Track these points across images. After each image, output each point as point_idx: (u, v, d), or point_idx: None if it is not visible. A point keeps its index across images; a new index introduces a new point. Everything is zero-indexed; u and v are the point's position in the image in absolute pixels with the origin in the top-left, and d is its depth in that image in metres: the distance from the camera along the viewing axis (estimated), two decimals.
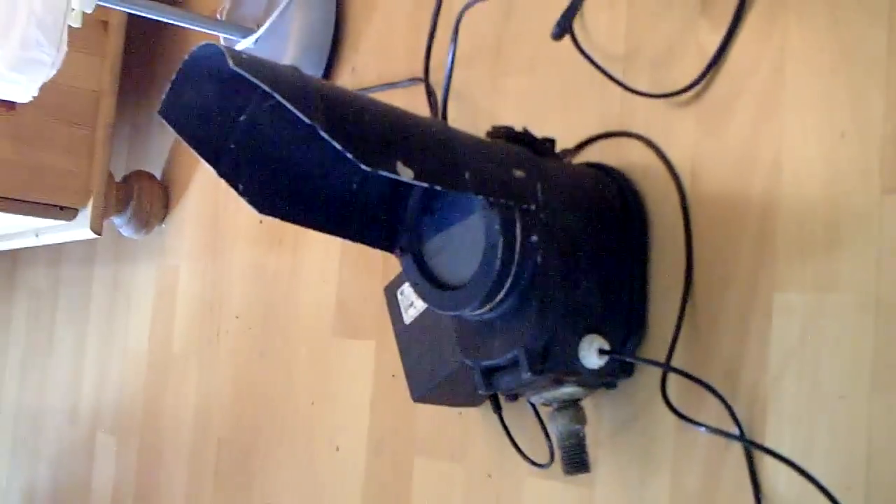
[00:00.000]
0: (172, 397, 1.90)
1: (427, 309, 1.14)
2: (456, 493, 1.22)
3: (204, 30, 1.64)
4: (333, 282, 1.50)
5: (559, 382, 0.95)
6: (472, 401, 1.19)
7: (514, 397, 1.03)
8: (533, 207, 0.91)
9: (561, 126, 1.13)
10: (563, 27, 1.04)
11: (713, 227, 0.96)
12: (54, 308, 2.48)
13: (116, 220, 1.99)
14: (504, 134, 0.98)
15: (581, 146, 1.10)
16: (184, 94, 0.88)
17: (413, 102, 1.35)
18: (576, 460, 0.95)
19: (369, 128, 0.83)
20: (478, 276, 0.91)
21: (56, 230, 1.97)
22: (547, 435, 1.09)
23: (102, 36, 1.86)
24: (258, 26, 1.57)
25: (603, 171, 1.05)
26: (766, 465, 0.89)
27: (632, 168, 1.04)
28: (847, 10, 0.88)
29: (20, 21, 1.34)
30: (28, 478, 2.51)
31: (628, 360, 0.99)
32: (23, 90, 1.41)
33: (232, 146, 0.91)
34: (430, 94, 1.32)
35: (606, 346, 0.94)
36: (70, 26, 1.39)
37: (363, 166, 0.79)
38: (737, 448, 0.91)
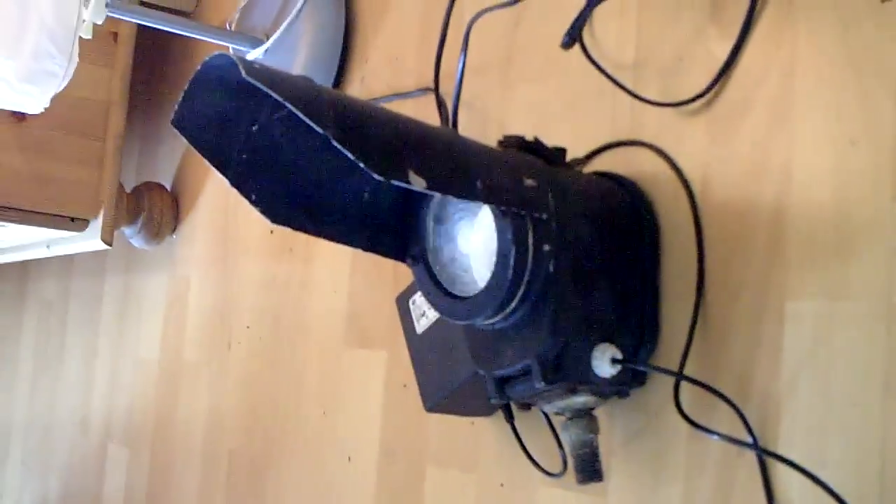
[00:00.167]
0: (184, 408, 1.90)
1: (439, 318, 1.14)
2: (468, 503, 1.22)
3: (214, 41, 1.65)
4: (344, 292, 1.50)
5: (572, 391, 0.95)
6: (484, 410, 1.19)
7: (526, 406, 1.03)
8: (545, 216, 0.91)
9: (571, 135, 1.13)
10: (573, 36, 1.05)
11: (724, 236, 0.96)
12: (65, 319, 2.48)
13: (127, 231, 2.00)
14: (515, 143, 0.98)
15: (591, 155, 1.10)
16: (196, 103, 0.88)
17: (423, 112, 1.36)
18: (589, 469, 0.95)
19: (381, 137, 0.83)
20: (490, 285, 0.91)
21: (67, 241, 1.98)
22: (559, 444, 1.09)
23: (112, 47, 1.87)
24: (268, 37, 1.58)
25: (614, 181, 1.05)
26: (780, 473, 0.89)
27: (642, 177, 1.04)
28: (857, 18, 0.88)
29: (31, 32, 1.34)
30: (39, 489, 2.51)
31: (641, 369, 0.98)
32: (34, 101, 1.42)
33: (244, 156, 0.91)
34: (441, 104, 1.33)
35: (619, 356, 0.94)
36: (81, 37, 1.39)
37: (375, 175, 0.79)
38: (749, 456, 0.91)
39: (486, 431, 1.21)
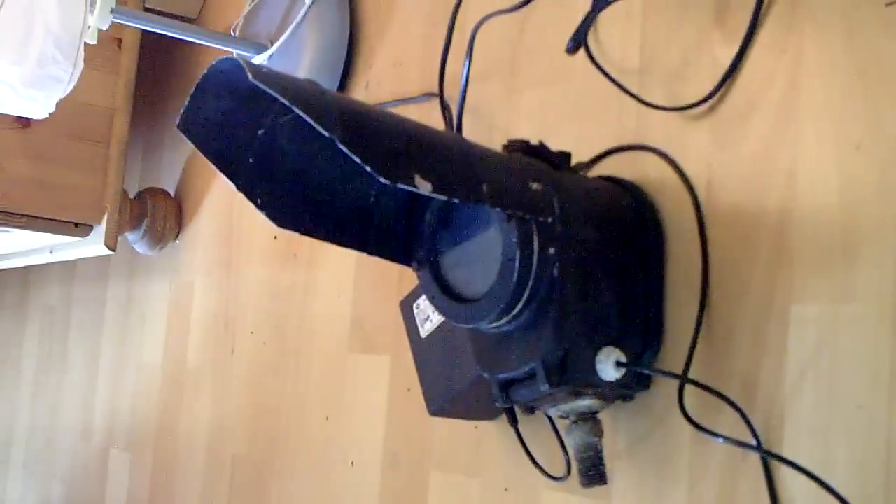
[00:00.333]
0: (187, 414, 1.90)
1: (443, 322, 1.15)
2: None
3: (218, 46, 1.65)
4: (348, 297, 1.50)
5: (577, 395, 0.95)
6: (488, 414, 1.19)
7: (531, 410, 1.03)
8: (550, 220, 0.91)
9: (576, 140, 1.14)
10: (578, 41, 1.05)
11: (729, 240, 0.96)
12: (67, 325, 2.48)
13: (130, 237, 2.00)
14: (520, 147, 0.99)
15: (596, 160, 1.10)
16: (202, 108, 0.89)
17: (428, 117, 1.36)
18: (593, 473, 0.95)
19: (387, 141, 0.83)
20: (495, 288, 0.91)
21: (70, 247, 1.98)
22: (564, 448, 1.09)
23: (117, 53, 1.87)
24: (272, 43, 1.58)
25: (618, 185, 1.05)
26: (784, 476, 0.89)
27: (647, 181, 1.04)
28: (861, 22, 0.88)
29: (37, 38, 1.35)
30: (42, 496, 2.51)
31: (645, 372, 0.99)
32: (40, 107, 1.42)
33: (250, 160, 0.92)
34: (445, 108, 1.33)
35: (624, 359, 0.94)
36: (86, 43, 1.40)
37: (382, 179, 0.79)
38: (754, 459, 0.91)
39: (490, 435, 1.21)
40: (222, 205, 1.89)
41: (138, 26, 1.58)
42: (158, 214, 1.99)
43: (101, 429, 2.26)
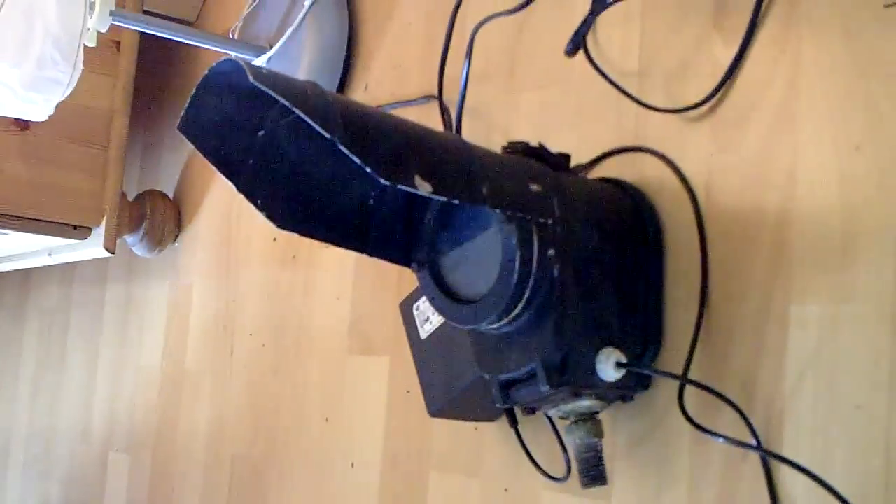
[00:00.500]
0: (186, 415, 1.91)
1: (443, 324, 1.15)
2: None
3: (217, 49, 1.65)
4: (347, 298, 1.51)
5: (577, 395, 0.95)
6: (488, 415, 1.19)
7: (531, 410, 1.03)
8: (550, 221, 0.92)
9: (575, 141, 1.14)
10: (577, 43, 1.05)
11: (728, 240, 0.97)
12: (66, 327, 2.48)
13: (129, 239, 2.00)
14: (520, 149, 0.99)
15: (596, 161, 1.11)
16: (203, 109, 0.89)
17: (427, 119, 1.36)
18: (593, 473, 0.96)
19: (388, 142, 0.84)
20: (495, 289, 0.91)
21: (69, 249, 1.98)
22: (563, 448, 1.09)
23: (115, 56, 1.87)
24: (271, 45, 1.59)
25: (618, 186, 1.05)
26: (784, 476, 0.89)
27: (647, 182, 1.05)
28: (860, 23, 0.88)
29: (37, 40, 1.35)
30: (40, 498, 2.51)
31: (645, 372, 0.99)
32: (39, 109, 1.43)
33: (251, 162, 0.92)
34: (444, 111, 1.33)
35: (623, 360, 0.94)
36: (85, 46, 1.40)
37: (382, 180, 0.80)
38: (754, 460, 0.92)
39: (490, 436, 1.21)
40: (221, 207, 1.89)
41: (137, 29, 1.58)
42: (157, 217, 1.99)
43: (100, 431, 2.26)
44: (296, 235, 0.94)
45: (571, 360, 0.93)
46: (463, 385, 1.11)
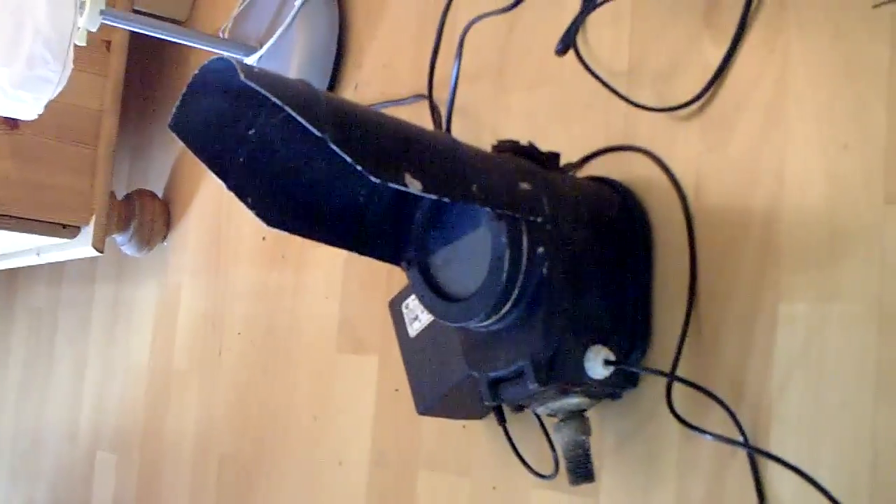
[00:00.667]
0: (174, 414, 1.90)
1: (432, 322, 1.15)
2: None
3: (207, 48, 1.65)
4: (336, 297, 1.51)
5: (565, 393, 0.95)
6: (476, 413, 1.20)
7: (520, 408, 1.04)
8: (539, 220, 0.92)
9: (565, 140, 1.14)
10: (567, 42, 1.06)
11: (717, 239, 0.97)
12: (54, 327, 2.48)
13: (118, 239, 2.00)
14: (510, 147, 0.99)
15: (585, 160, 1.11)
16: (194, 108, 0.89)
17: (417, 119, 1.36)
18: (581, 470, 0.96)
19: (378, 140, 0.84)
20: (484, 287, 0.92)
21: (58, 248, 1.98)
22: (552, 446, 1.09)
23: (105, 55, 1.87)
24: (261, 45, 1.59)
25: (607, 185, 1.06)
26: (771, 473, 0.90)
27: (636, 181, 1.05)
28: (849, 23, 0.89)
29: (27, 39, 1.35)
30: (27, 498, 2.50)
31: (633, 370, 0.99)
32: (28, 108, 1.43)
33: (241, 160, 0.92)
34: (434, 110, 1.34)
35: (612, 357, 0.94)
36: (75, 45, 1.40)
37: (372, 178, 0.80)
38: (741, 457, 0.92)
39: (479, 434, 1.21)
40: (210, 206, 1.89)
41: (128, 28, 1.58)
42: (146, 216, 1.99)
43: (88, 430, 2.26)
44: (285, 234, 0.94)
45: (560, 358, 0.93)
46: (451, 383, 1.11)
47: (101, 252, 1.88)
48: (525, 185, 0.93)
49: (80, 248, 1.92)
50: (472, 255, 0.95)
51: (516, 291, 0.91)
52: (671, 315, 1.00)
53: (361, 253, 0.98)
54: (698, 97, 1.00)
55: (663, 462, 0.99)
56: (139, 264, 2.10)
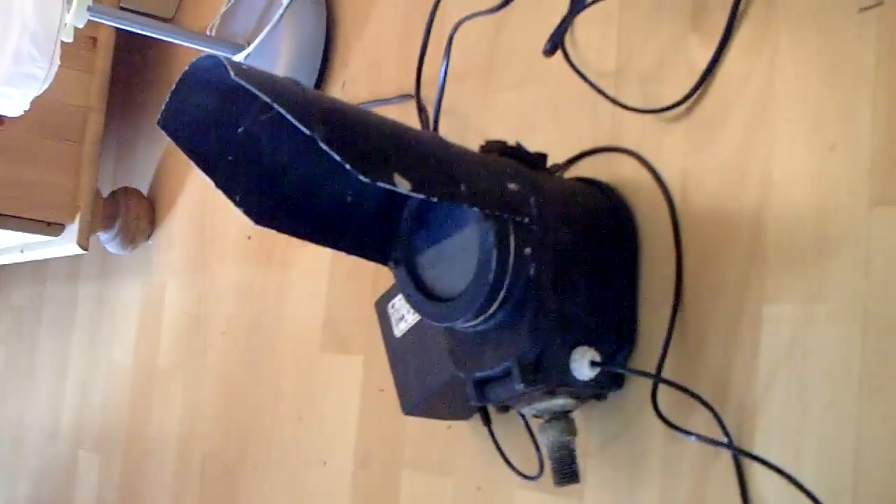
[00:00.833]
0: (157, 413, 1.90)
1: (418, 322, 1.15)
2: None
3: (194, 46, 1.65)
4: (322, 297, 1.51)
5: (551, 394, 0.96)
6: (461, 414, 1.20)
7: (504, 409, 1.04)
8: (527, 220, 0.92)
9: (552, 141, 1.15)
10: (555, 43, 1.06)
11: (703, 240, 0.98)
12: (37, 325, 2.47)
13: (103, 237, 2.00)
14: (497, 148, 0.99)
15: (572, 161, 1.11)
16: (182, 105, 0.89)
17: (404, 118, 1.36)
18: (566, 471, 0.96)
19: (367, 140, 0.84)
20: (472, 287, 0.92)
21: (42, 246, 1.98)
22: (537, 447, 1.10)
23: (91, 52, 1.87)
24: (248, 43, 1.59)
25: (594, 186, 1.06)
26: (755, 474, 0.90)
27: (623, 182, 1.05)
28: (836, 26, 0.89)
29: (13, 35, 1.35)
30: (8, 496, 2.50)
31: (619, 371, 1.00)
32: (15, 104, 1.42)
33: (229, 158, 0.92)
34: (422, 109, 1.34)
35: (598, 359, 0.95)
36: (62, 41, 1.40)
37: (361, 177, 0.80)
38: (726, 458, 0.93)
39: (463, 435, 1.21)
40: (195, 205, 1.89)
41: (115, 25, 1.58)
42: (131, 214, 1.99)
43: (70, 429, 2.25)
44: (270, 234, 0.94)
45: (546, 359, 0.93)
46: (437, 383, 1.11)
47: (86, 250, 1.88)
48: (513, 186, 0.93)
49: (65, 245, 1.91)
50: (459, 256, 0.95)
51: (503, 292, 0.91)
52: (657, 316, 1.00)
53: (349, 252, 0.98)
54: (686, 98, 1.01)
55: (648, 463, 1.00)
56: (123, 262, 2.10)
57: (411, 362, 1.16)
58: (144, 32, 1.60)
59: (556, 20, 1.06)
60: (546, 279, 0.93)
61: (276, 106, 0.79)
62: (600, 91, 1.09)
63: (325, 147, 0.79)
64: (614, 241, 1.02)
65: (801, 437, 0.87)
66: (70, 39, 1.40)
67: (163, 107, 0.88)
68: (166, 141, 2.00)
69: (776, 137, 0.93)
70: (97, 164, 1.89)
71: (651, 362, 1.00)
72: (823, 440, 0.86)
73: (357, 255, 0.99)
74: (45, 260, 2.30)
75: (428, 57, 1.33)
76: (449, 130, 1.29)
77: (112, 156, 2.20)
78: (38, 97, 1.45)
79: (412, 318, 1.16)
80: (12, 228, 1.85)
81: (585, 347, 0.95)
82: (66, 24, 1.38)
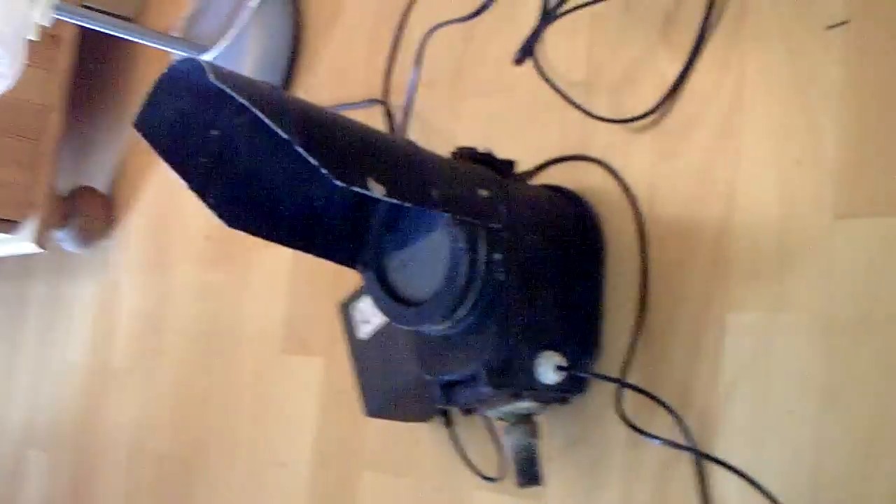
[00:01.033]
0: (111, 413, 1.89)
1: (383, 326, 1.16)
2: None
3: (159, 46, 1.65)
4: (282, 299, 1.51)
5: (516, 397, 0.97)
6: (423, 416, 1.21)
7: (469, 411, 1.05)
8: (497, 226, 0.94)
9: (519, 149, 1.15)
10: (526, 52, 1.07)
11: (668, 249, 0.99)
12: None
13: (59, 235, 1.99)
14: (467, 154, 1.01)
15: (539, 168, 1.13)
16: (159, 107, 0.89)
17: (371, 123, 1.37)
18: (529, 473, 0.97)
19: (343, 145, 0.85)
20: (441, 292, 0.93)
21: None
22: (499, 449, 1.11)
23: (53, 50, 1.86)
24: (214, 45, 1.59)
25: (561, 194, 1.08)
26: (717, 478, 0.92)
27: (590, 191, 1.07)
28: (804, 43, 0.92)
29: None
30: None
31: (584, 376, 1.01)
32: None
33: (203, 160, 0.92)
34: (389, 115, 1.35)
35: (563, 363, 0.96)
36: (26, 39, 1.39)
37: (337, 182, 0.81)
38: (686, 462, 0.94)
39: (423, 437, 1.22)
40: (154, 205, 1.88)
41: (80, 23, 1.57)
42: (89, 213, 1.98)
43: (19, 428, 2.23)
44: (229, 234, 0.95)
45: (513, 363, 0.94)
46: (401, 386, 1.12)
47: (43, 248, 1.87)
48: (484, 192, 0.95)
49: (21, 243, 1.90)
50: (428, 260, 0.96)
51: (472, 297, 0.93)
52: (622, 322, 1.02)
53: (318, 255, 0.99)
54: (654, 110, 1.03)
55: (609, 466, 1.01)
56: (80, 261, 2.09)
57: (375, 365, 1.17)
58: (109, 31, 1.59)
59: (525, 30, 1.08)
60: (515, 285, 0.94)
61: (254, 110, 0.80)
62: (569, 100, 1.11)
63: (302, 151, 0.80)
64: (581, 249, 1.04)
65: (762, 442, 0.89)
66: (35, 37, 1.40)
67: (139, 109, 0.89)
68: (126, 140, 2.00)
69: (743, 150, 0.95)
70: (56, 162, 1.88)
71: (616, 368, 1.01)
72: (785, 446, 0.88)
73: (326, 258, 0.99)
74: (0, 258, 2.28)
75: (395, 63, 1.34)
76: (416, 136, 1.30)
77: (71, 154, 2.18)
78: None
79: (377, 320, 1.17)
80: None
81: (551, 352, 0.96)
82: (32, 22, 1.38)
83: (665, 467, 0.96)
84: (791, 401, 0.88)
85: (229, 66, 1.53)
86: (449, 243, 0.93)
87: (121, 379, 1.88)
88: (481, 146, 1.02)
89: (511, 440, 0.98)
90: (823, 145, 0.89)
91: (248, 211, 0.95)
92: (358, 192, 0.84)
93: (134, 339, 1.86)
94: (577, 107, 1.10)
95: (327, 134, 0.84)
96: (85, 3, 1.82)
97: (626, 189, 1.04)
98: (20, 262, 2.32)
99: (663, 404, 0.96)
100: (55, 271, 2.20)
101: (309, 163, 0.80)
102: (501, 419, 1.00)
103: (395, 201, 0.85)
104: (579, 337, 1.02)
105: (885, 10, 0.87)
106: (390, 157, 0.89)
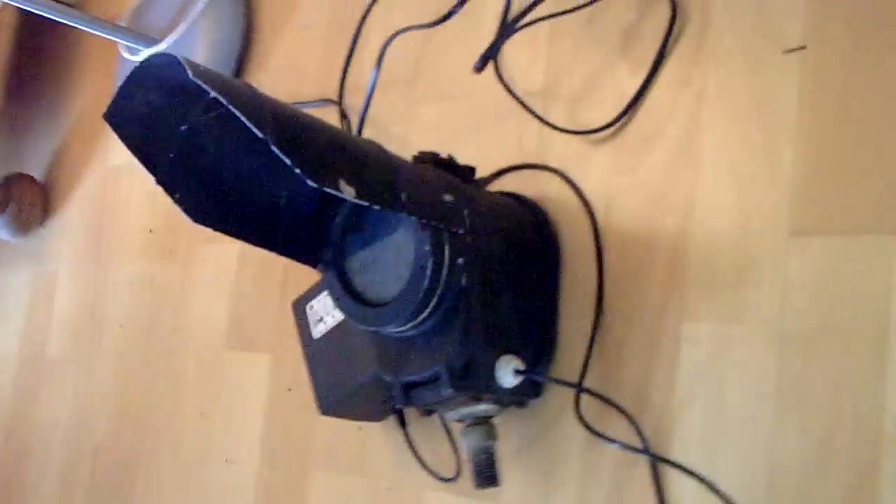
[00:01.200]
0: (45, 404, 1.87)
1: (338, 324, 1.17)
2: None
3: (106, 36, 1.63)
4: (228, 295, 1.51)
5: (475, 399, 0.99)
6: (376, 415, 1.22)
7: (429, 413, 1.06)
8: (461, 231, 0.95)
9: (474, 156, 1.17)
10: (487, 59, 1.09)
11: (625, 259, 1.02)
12: None
13: None
14: (430, 159, 1.02)
15: (497, 175, 1.14)
16: (131, 100, 0.89)
17: None
18: (487, 475, 0.99)
19: (316, 145, 0.86)
20: (404, 294, 0.94)
21: None
22: (454, 449, 1.12)
23: None
24: (162, 37, 1.58)
25: (520, 201, 1.10)
26: (672, 481, 0.95)
27: (548, 199, 1.09)
28: (761, 64, 0.95)
29: None
30: None
31: (542, 380, 1.03)
32: None
33: (171, 155, 0.93)
34: (344, 116, 1.35)
35: (522, 367, 0.98)
36: None
37: (309, 182, 0.82)
38: (643, 466, 0.97)
39: (375, 436, 1.23)
40: (94, 195, 1.86)
41: (25, 7, 1.55)
42: (24, 200, 1.95)
43: None
44: (174, 228, 0.95)
45: (473, 366, 0.96)
46: (357, 385, 1.13)
47: None
48: (448, 197, 0.96)
49: None
50: (391, 262, 0.97)
51: (436, 299, 0.94)
52: (579, 329, 1.04)
53: (279, 253, 0.99)
54: (612, 123, 1.05)
55: (565, 469, 1.03)
56: (13, 249, 2.06)
57: (330, 363, 1.17)
58: (53, 17, 1.57)
59: (484, 38, 1.09)
60: (476, 289, 0.96)
61: (231, 107, 0.80)
62: (527, 107, 1.13)
63: (275, 150, 0.80)
64: (538, 255, 1.06)
65: (717, 448, 0.92)
66: None
67: (110, 101, 0.89)
68: (64, 128, 1.98)
69: (700, 165, 0.97)
70: None
71: (573, 372, 1.03)
72: (739, 451, 0.90)
73: (287, 256, 1.00)
74: None
75: (352, 64, 1.35)
76: (371, 138, 1.30)
77: (5, 141, 2.15)
78: None
79: (332, 320, 1.18)
80: None
81: (511, 356, 0.98)
82: None
83: (621, 470, 0.99)
84: (745, 409, 0.90)
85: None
86: (414, 246, 0.94)
87: (56, 370, 1.86)
88: (435, 151, 1.04)
89: (469, 442, 1.00)
90: (780, 164, 0.92)
91: (212, 207, 0.95)
92: (322, 192, 0.85)
93: (70, 330, 1.84)
94: (536, 115, 1.12)
95: (301, 134, 0.85)
96: None
97: (582, 198, 1.06)
98: None
99: (619, 408, 0.98)
100: None
101: (274, 161, 0.81)
102: (459, 421, 1.02)
103: (364, 203, 0.86)
104: (536, 342, 1.04)
105: (840, 37, 0.90)
106: (360, 159, 0.90)
